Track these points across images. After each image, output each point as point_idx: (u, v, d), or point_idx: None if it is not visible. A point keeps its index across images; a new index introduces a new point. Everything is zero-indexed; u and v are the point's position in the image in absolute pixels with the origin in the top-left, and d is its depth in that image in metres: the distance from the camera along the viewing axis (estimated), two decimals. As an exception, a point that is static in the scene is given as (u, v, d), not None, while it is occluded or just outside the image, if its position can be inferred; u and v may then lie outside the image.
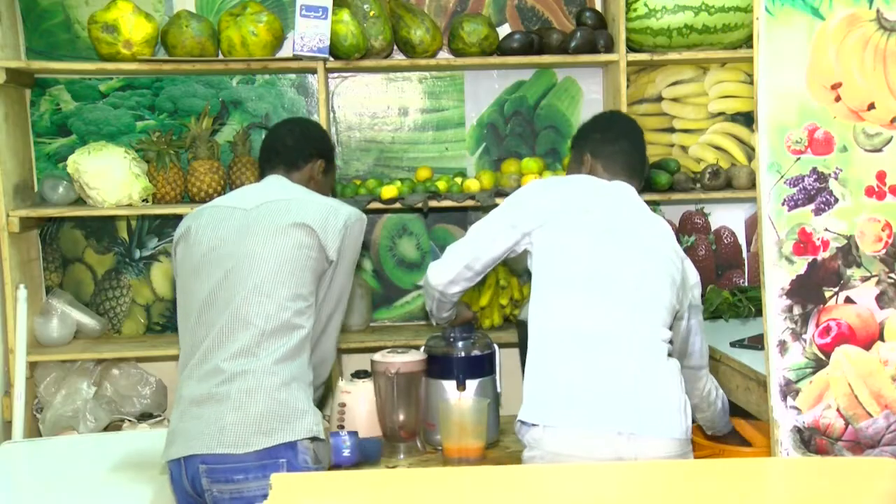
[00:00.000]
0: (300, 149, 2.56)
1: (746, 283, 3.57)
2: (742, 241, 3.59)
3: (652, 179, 3.35)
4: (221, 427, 2.18)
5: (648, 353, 2.24)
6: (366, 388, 2.97)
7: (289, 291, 2.28)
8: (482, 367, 2.87)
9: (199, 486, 2.21)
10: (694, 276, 2.48)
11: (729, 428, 2.73)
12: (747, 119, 3.55)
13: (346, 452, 2.62)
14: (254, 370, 2.21)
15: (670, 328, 2.35)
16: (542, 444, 2.21)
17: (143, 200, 3.21)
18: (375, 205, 3.26)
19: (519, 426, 2.29)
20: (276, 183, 2.51)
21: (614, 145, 2.51)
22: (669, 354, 2.31)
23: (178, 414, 2.27)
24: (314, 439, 2.26)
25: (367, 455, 2.70)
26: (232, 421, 2.18)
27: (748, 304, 3.16)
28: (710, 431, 2.73)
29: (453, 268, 2.44)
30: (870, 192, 2.02)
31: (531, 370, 2.30)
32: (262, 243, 2.31)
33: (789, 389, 2.02)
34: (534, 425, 2.23)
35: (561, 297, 2.30)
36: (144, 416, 3.29)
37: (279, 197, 2.41)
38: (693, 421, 2.87)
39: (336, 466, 2.60)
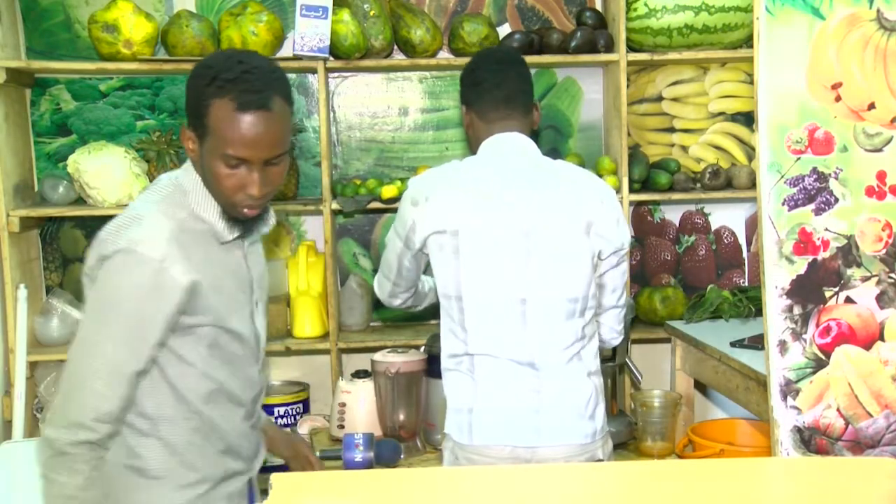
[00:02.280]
0: (186, 116, 1.89)
1: (746, 283, 3.57)
2: (742, 241, 3.59)
3: (652, 179, 3.35)
4: None
5: (547, 365, 2.21)
6: (366, 388, 2.98)
7: None
8: (482, 366, 2.87)
9: None
10: (613, 227, 2.26)
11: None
12: (747, 119, 3.55)
13: (358, 457, 2.60)
14: None
15: (588, 311, 2.26)
16: (454, 447, 2.25)
17: (144, 200, 3.21)
18: (375, 205, 3.26)
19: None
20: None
21: (481, 86, 2.32)
22: (583, 347, 2.25)
23: None
24: None
25: (381, 458, 2.67)
26: None
27: (748, 304, 3.15)
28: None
29: (385, 287, 2.46)
30: (870, 191, 2.02)
31: (445, 386, 2.30)
32: None
33: (789, 389, 2.01)
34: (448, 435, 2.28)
35: (454, 321, 2.24)
36: (144, 416, 3.28)
37: None
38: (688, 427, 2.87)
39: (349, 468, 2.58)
